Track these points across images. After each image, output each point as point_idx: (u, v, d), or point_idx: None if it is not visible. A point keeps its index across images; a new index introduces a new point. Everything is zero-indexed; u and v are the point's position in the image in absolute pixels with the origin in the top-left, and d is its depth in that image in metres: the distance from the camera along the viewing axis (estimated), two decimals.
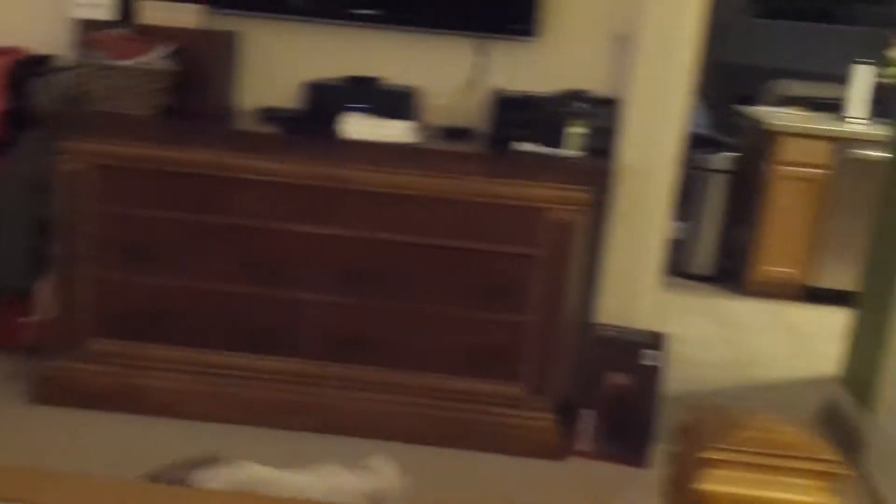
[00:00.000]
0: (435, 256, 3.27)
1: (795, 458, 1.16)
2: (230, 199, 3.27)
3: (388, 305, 3.32)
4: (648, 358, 3.32)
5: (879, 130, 5.10)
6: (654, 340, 3.37)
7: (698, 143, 6.20)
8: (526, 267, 3.24)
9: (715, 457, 1.15)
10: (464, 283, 3.28)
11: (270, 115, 3.64)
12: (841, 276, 5.15)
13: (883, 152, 4.23)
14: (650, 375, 3.33)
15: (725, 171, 5.70)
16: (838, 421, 3.92)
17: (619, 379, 3.35)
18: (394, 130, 3.38)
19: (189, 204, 3.28)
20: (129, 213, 3.29)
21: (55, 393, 3.33)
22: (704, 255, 5.79)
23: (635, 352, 3.33)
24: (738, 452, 1.16)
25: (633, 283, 3.50)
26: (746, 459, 1.16)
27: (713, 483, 1.15)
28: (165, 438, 3.20)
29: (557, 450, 3.34)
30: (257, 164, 3.24)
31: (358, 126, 3.40)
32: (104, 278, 3.32)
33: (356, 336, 3.35)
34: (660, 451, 3.20)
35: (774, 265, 5.46)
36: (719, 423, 1.19)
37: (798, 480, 1.17)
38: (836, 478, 1.20)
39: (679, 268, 5.87)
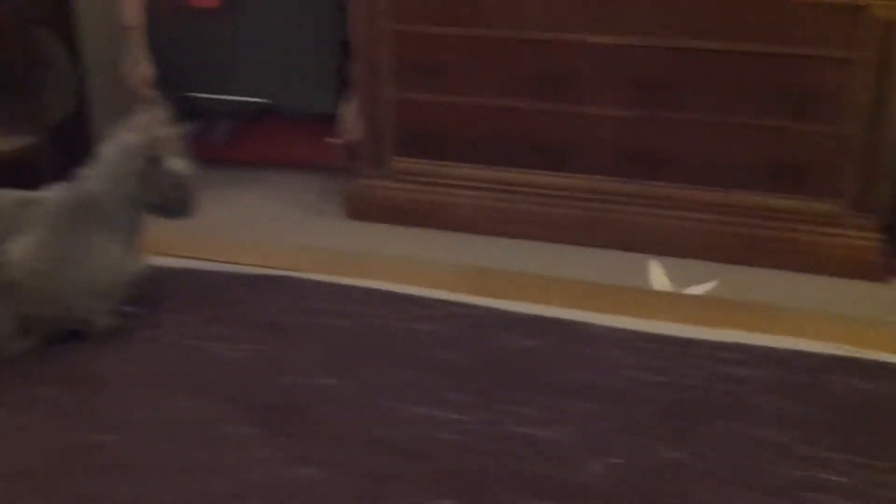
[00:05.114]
0: (736, 63, 2.98)
1: None
2: (519, 12, 3.16)
3: (685, 118, 3.11)
4: None
5: None
6: None
7: None
8: (844, 72, 2.87)
9: None
10: (769, 92, 2.98)
11: None
12: None
13: None
14: None
15: None
16: None
17: None
18: None
19: (479, 19, 3.21)
20: (422, 32, 3.29)
21: (363, 209, 3.51)
22: None
23: None
24: None
25: None
26: None
27: None
28: (467, 252, 3.28)
29: (879, 270, 3.05)
30: None
31: None
32: (403, 99, 3.38)
33: (652, 151, 3.18)
34: None
35: None
36: None
37: None
38: None
39: None
